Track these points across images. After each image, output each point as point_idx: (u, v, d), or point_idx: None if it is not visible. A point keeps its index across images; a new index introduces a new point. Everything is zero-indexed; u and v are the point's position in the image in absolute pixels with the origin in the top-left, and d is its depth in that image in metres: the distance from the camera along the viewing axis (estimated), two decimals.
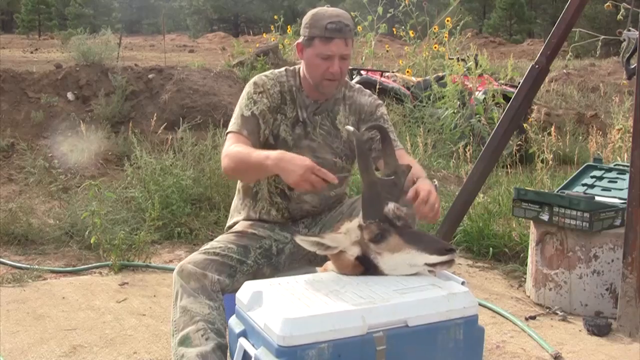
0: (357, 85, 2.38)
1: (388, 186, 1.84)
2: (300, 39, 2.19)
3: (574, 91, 11.10)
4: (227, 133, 2.21)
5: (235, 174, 2.16)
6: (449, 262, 1.69)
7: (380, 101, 2.37)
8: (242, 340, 1.66)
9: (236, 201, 2.43)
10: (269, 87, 2.22)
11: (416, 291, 1.67)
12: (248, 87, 2.25)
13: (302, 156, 1.93)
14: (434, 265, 1.69)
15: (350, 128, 1.91)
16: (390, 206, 1.77)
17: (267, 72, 2.29)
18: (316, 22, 2.13)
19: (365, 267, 1.75)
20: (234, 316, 1.76)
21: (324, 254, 1.81)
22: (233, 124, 2.20)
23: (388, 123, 2.33)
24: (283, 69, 2.32)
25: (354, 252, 1.76)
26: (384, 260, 1.73)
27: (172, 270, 3.46)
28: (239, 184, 2.41)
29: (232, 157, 2.08)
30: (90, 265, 3.60)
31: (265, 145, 2.21)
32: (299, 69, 2.30)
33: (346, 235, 1.77)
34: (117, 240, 3.55)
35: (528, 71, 3.25)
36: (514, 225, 3.97)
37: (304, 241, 1.76)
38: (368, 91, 2.38)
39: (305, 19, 2.18)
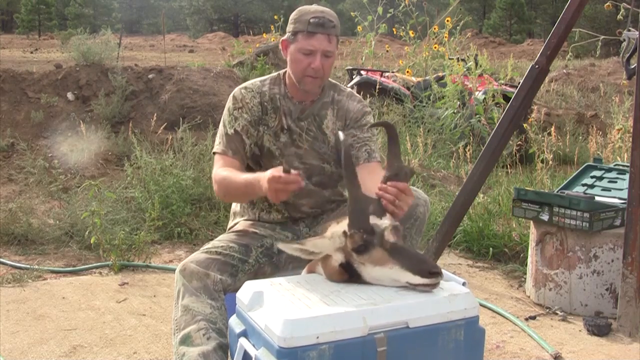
0: (348, 90, 2.34)
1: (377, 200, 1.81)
2: (286, 36, 2.19)
3: (574, 91, 11.10)
4: (214, 153, 2.22)
5: (227, 199, 2.22)
6: (432, 285, 1.65)
7: (369, 109, 2.33)
8: (242, 341, 1.66)
9: (234, 206, 2.44)
10: (248, 100, 2.22)
11: (417, 292, 1.67)
12: (229, 102, 2.25)
13: (272, 168, 1.88)
14: (415, 285, 1.65)
15: (342, 135, 1.87)
16: (385, 222, 1.73)
17: (247, 83, 2.28)
18: (300, 17, 2.14)
19: (349, 274, 1.73)
20: (234, 316, 1.76)
21: (309, 259, 1.79)
22: (218, 144, 2.21)
23: (373, 132, 2.29)
24: (266, 77, 2.30)
25: (338, 258, 1.74)
26: (367, 270, 1.69)
27: (172, 270, 3.48)
28: None
29: (220, 183, 2.11)
30: (90, 265, 3.60)
31: (253, 157, 2.24)
32: (284, 73, 2.29)
33: (331, 240, 1.75)
34: (117, 240, 3.55)
35: (528, 71, 3.24)
36: (514, 225, 3.97)
37: (287, 247, 1.75)
38: (359, 97, 2.34)
39: (291, 15, 2.19)
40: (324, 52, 2.13)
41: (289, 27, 2.17)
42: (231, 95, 2.26)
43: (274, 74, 2.32)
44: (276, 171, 1.82)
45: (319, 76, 2.15)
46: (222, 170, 2.12)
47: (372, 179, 2.00)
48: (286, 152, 2.25)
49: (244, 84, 2.28)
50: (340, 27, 2.19)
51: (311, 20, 2.10)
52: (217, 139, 2.23)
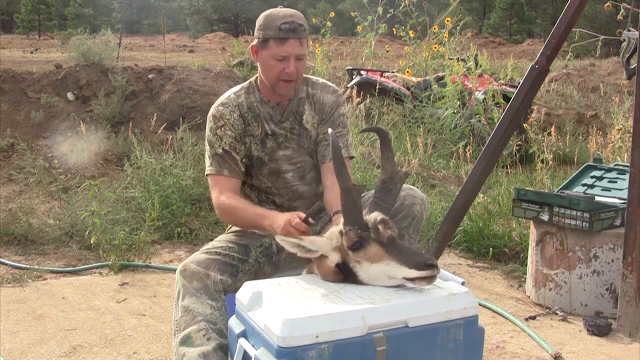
0: (321, 81, 2.34)
1: (381, 192, 1.81)
2: (255, 42, 2.17)
3: (574, 91, 11.09)
4: (208, 175, 2.24)
5: (233, 225, 2.26)
6: (429, 278, 1.65)
7: (342, 99, 2.33)
8: (242, 341, 1.66)
9: None
10: (228, 116, 2.22)
11: (416, 292, 1.67)
12: (209, 122, 2.25)
13: (281, 214, 1.97)
14: (412, 279, 1.65)
15: (330, 130, 1.89)
16: (375, 215, 1.73)
17: (223, 99, 2.27)
18: (270, 23, 2.11)
19: (345, 275, 1.73)
20: (234, 316, 1.76)
21: (305, 257, 1.79)
22: (210, 165, 2.22)
23: (346, 126, 2.30)
24: (239, 88, 2.29)
25: (334, 258, 1.74)
26: (363, 269, 1.69)
27: (172, 270, 3.48)
28: None
29: (227, 212, 2.16)
30: (90, 265, 3.60)
31: (245, 168, 2.25)
32: (255, 80, 2.28)
33: (328, 239, 1.75)
34: (117, 240, 3.55)
35: (528, 71, 3.24)
36: (514, 225, 3.97)
37: (284, 241, 1.75)
38: (332, 87, 2.34)
39: (259, 20, 2.16)
40: (297, 56, 2.12)
41: (258, 33, 2.14)
42: (210, 114, 2.26)
43: (246, 82, 2.31)
44: (295, 217, 1.88)
45: (293, 79, 2.15)
46: (228, 199, 2.15)
47: (332, 178, 2.07)
48: (275, 156, 2.25)
49: (219, 101, 2.27)
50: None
51: (282, 27, 2.08)
52: (208, 160, 2.24)
